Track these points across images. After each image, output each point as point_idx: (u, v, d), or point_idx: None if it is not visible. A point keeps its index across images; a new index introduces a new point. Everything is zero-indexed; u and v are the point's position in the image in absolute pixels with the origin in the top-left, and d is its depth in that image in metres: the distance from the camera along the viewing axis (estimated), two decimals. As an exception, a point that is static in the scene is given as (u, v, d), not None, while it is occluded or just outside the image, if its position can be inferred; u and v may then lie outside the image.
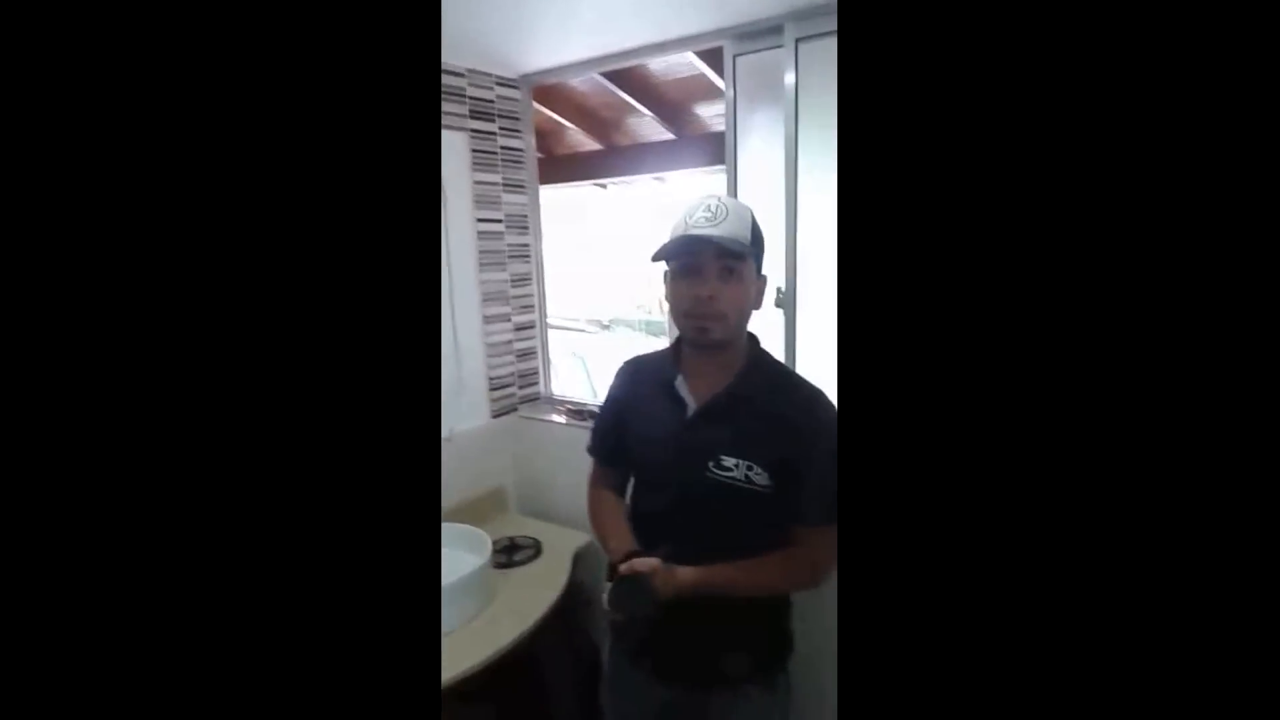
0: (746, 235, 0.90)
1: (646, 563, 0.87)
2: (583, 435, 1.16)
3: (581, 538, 1.54)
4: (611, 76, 2.43)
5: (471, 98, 1.57)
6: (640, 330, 5.12)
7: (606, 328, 5.05)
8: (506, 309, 1.73)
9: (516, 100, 1.69)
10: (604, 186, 3.93)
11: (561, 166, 3.33)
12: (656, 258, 0.91)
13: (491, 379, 1.71)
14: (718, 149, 2.70)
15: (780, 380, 0.97)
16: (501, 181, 1.67)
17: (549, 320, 1.88)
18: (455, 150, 1.55)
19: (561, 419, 1.72)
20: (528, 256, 1.77)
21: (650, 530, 0.98)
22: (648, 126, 3.02)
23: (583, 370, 4.34)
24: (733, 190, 1.44)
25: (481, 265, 1.64)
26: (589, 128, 3.08)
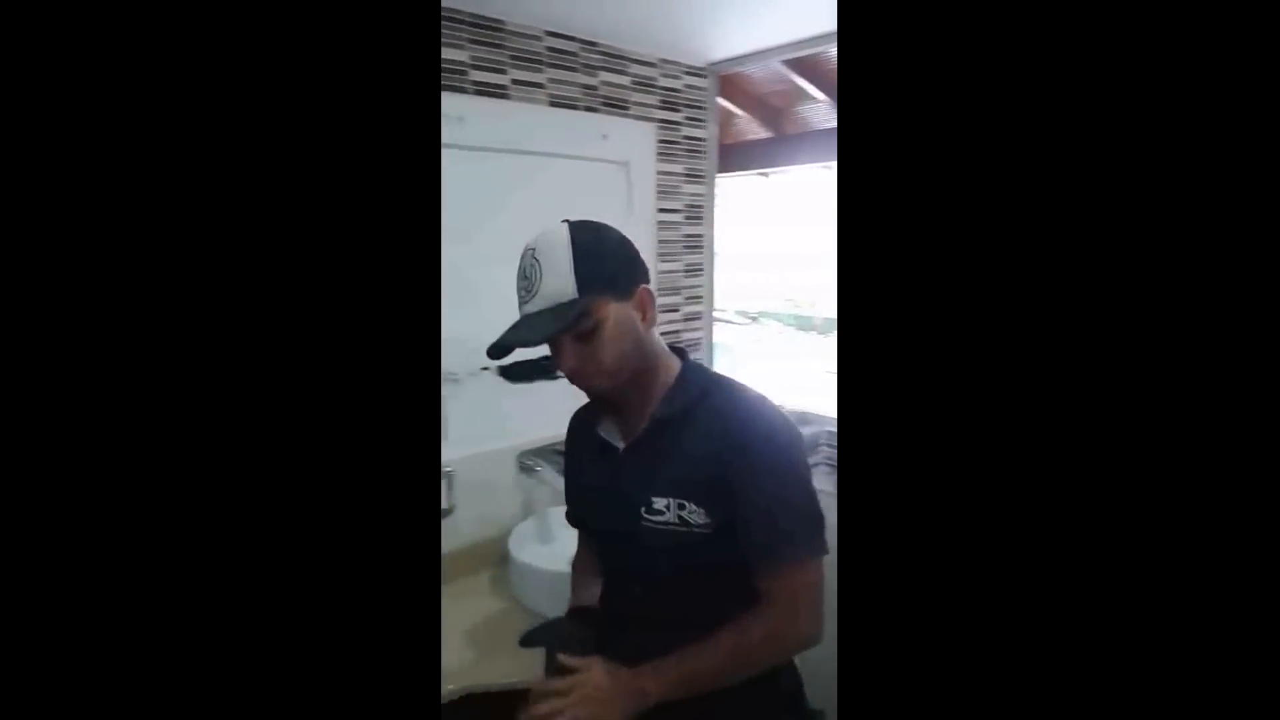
0: (568, 287, 0.74)
1: (584, 666, 0.75)
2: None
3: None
4: (790, 62, 2.35)
5: (662, 88, 1.58)
6: (790, 324, 4.98)
7: (754, 320, 4.96)
8: (677, 299, 1.74)
9: (703, 90, 1.68)
10: (766, 175, 3.85)
11: (729, 156, 3.30)
12: (492, 355, 0.78)
13: (659, 368, 1.73)
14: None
15: (707, 396, 0.81)
16: (683, 172, 1.67)
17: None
18: (643, 141, 1.57)
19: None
20: (700, 247, 1.77)
21: (613, 601, 0.86)
22: (819, 114, 2.90)
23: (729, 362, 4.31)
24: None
25: (659, 256, 1.66)
26: (760, 115, 3.02)
